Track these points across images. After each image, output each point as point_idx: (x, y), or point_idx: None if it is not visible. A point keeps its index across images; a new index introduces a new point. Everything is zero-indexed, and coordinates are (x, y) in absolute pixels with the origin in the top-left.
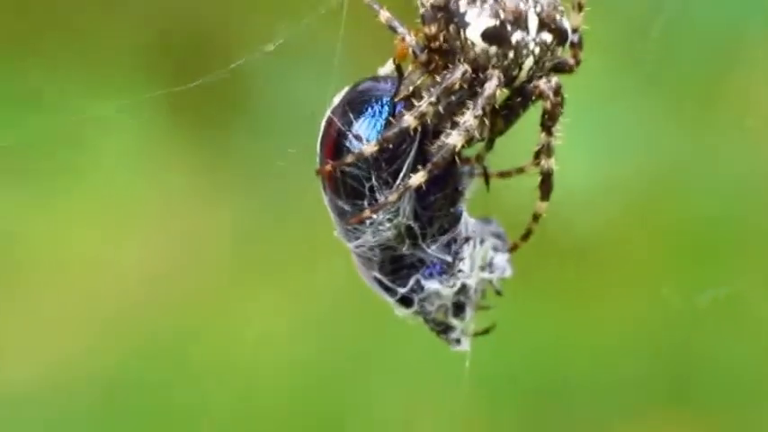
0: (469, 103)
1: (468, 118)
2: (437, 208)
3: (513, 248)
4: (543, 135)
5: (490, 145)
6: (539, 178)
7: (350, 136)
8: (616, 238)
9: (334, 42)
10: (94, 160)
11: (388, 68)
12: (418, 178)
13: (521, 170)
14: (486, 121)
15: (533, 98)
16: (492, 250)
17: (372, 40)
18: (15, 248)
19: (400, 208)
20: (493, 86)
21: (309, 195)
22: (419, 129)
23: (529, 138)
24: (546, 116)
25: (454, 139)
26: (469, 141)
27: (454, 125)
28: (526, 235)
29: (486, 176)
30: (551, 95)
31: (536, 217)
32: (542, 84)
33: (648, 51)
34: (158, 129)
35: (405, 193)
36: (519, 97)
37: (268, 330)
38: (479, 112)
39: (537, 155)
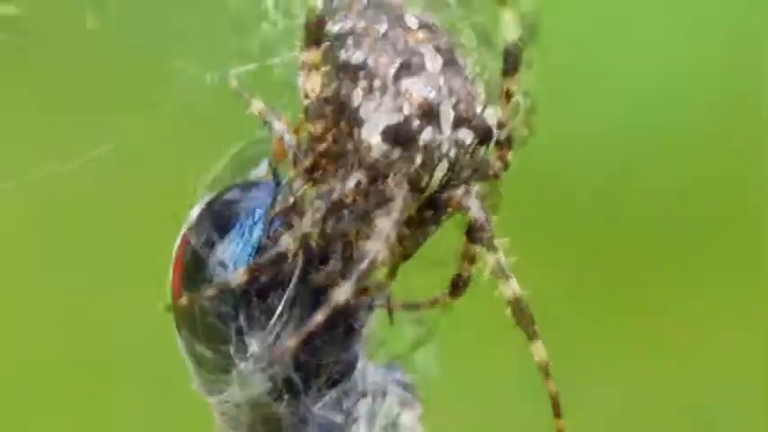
0: (368, 230)
1: (376, 246)
2: (325, 353)
3: None
4: (488, 254)
5: (393, 273)
6: (507, 310)
7: (211, 261)
8: None
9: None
10: None
11: (262, 170)
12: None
13: (435, 302)
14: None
15: (448, 211)
16: (397, 406)
17: None
18: None
19: None
20: (401, 205)
21: None
22: (300, 253)
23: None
24: (474, 228)
25: (344, 294)
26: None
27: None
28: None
29: (390, 309)
30: (474, 206)
31: (544, 371)
32: (459, 193)
33: None
34: None
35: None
36: (429, 210)
37: None
38: (385, 246)
39: (456, 283)
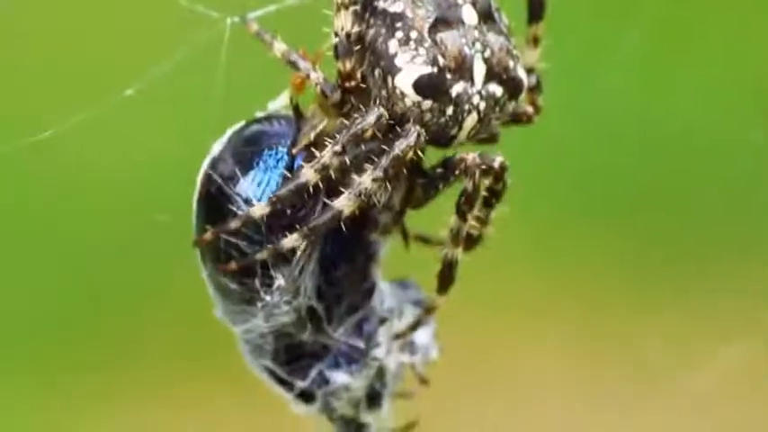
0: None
1: (365, 180)
2: (345, 284)
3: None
4: (454, 219)
5: (398, 217)
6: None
7: (235, 196)
8: None
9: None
10: None
11: (281, 102)
12: (290, 242)
13: (441, 244)
14: (389, 186)
15: (456, 173)
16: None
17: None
18: None
19: (301, 287)
20: (404, 145)
21: None
22: (321, 185)
23: None
24: (463, 198)
25: (341, 203)
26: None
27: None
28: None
29: (405, 234)
30: (477, 175)
31: (429, 310)
32: (470, 158)
33: None
34: None
35: (278, 260)
36: (441, 167)
37: None
38: (379, 174)
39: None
